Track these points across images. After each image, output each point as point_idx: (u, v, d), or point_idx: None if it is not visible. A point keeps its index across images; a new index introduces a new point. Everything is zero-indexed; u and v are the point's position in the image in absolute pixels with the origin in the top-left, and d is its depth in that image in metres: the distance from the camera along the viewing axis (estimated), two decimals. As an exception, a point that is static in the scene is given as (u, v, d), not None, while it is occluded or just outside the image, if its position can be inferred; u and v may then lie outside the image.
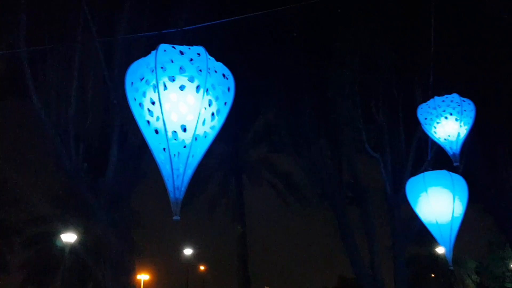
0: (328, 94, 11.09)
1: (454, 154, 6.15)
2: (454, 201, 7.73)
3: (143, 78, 4.86)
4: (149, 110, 4.75)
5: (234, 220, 20.65)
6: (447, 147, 6.30)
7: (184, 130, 4.72)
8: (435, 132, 6.48)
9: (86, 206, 11.38)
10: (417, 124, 11.46)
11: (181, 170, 4.77)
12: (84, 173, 9.38)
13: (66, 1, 9.17)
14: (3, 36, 9.26)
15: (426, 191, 7.66)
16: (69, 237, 16.92)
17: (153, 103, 4.69)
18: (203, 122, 4.82)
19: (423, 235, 13.23)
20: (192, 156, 4.78)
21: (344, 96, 10.77)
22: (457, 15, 9.13)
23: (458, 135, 6.18)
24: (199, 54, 4.95)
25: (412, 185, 8.21)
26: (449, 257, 7.46)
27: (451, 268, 8.96)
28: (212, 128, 4.99)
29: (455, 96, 6.26)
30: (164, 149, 4.76)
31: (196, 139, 4.80)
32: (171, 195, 4.70)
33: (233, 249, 21.24)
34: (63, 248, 17.42)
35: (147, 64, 4.84)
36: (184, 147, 4.75)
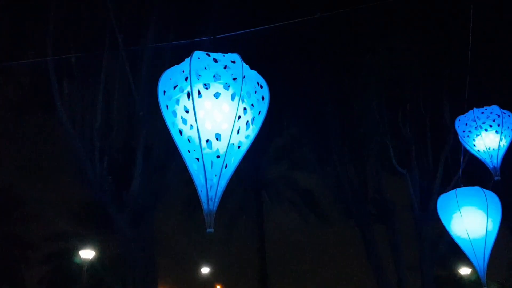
0: (354, 108, 10.89)
1: (494, 168, 5.88)
2: (487, 220, 7.48)
3: (176, 86, 4.76)
4: (182, 118, 4.64)
5: (253, 239, 20.34)
6: (487, 161, 6.03)
7: (218, 139, 4.59)
8: (474, 145, 6.23)
9: (106, 221, 11.26)
10: (445, 140, 11.30)
11: (215, 180, 4.62)
12: (108, 186, 9.27)
13: (93, 12, 9.22)
14: (30, 47, 9.34)
15: (459, 210, 7.42)
16: (87, 254, 16.81)
17: (187, 111, 4.58)
18: (238, 131, 4.69)
19: (446, 256, 12.81)
20: (226, 166, 4.64)
21: (371, 110, 10.57)
22: (491, 27, 8.92)
23: (499, 147, 5.92)
24: (233, 61, 4.84)
25: (444, 202, 7.96)
26: (483, 275, 7.21)
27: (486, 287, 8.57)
28: (246, 137, 4.85)
29: (494, 108, 6.02)
30: (197, 159, 4.62)
31: (230, 148, 4.67)
32: (204, 206, 4.54)
33: (252, 269, 20.90)
34: (82, 264, 17.30)
35: (181, 71, 4.74)
36: (218, 157, 4.61)
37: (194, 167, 4.66)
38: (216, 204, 4.69)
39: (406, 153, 11.02)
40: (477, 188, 7.57)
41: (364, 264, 12.02)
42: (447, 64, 9.66)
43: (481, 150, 6.08)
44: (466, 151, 11.07)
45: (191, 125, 4.65)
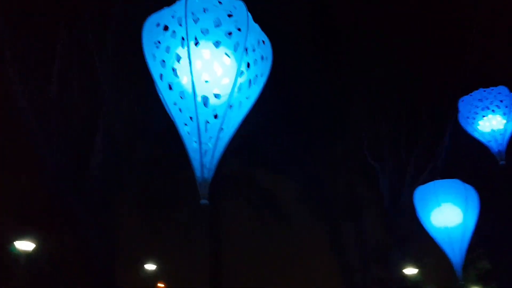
0: (328, 101, 10.44)
1: (500, 151, 5.50)
2: (465, 213, 7.33)
3: (167, 29, 3.96)
4: (173, 69, 3.86)
5: (208, 236, 19.42)
6: (491, 144, 5.64)
7: (217, 96, 3.85)
8: (477, 128, 5.82)
9: (56, 211, 10.08)
10: (419, 135, 11.13)
11: (211, 144, 3.89)
12: (67, 172, 8.08)
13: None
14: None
15: (437, 202, 7.07)
16: (25, 245, 15.23)
17: (179, 60, 3.81)
18: (240, 89, 3.98)
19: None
20: (224, 128, 3.92)
21: (348, 103, 10.18)
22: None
23: (505, 130, 5.55)
24: (236, 7, 4.11)
25: (422, 194, 7.69)
26: (459, 270, 7.02)
27: (462, 283, 8.42)
28: (248, 98, 4.15)
29: (503, 89, 5.67)
30: (191, 118, 3.87)
31: (230, 107, 3.94)
32: (197, 173, 3.79)
33: (205, 268, 19.98)
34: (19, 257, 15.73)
35: (174, 13, 3.96)
36: (215, 116, 3.88)
37: (185, 129, 3.91)
38: (211, 173, 3.94)
39: (380, 147, 10.71)
40: (456, 180, 7.38)
41: (330, 264, 11.57)
42: (427, 57, 9.49)
43: (486, 132, 5.68)
44: (445, 144, 10.98)
45: (182, 80, 3.91)
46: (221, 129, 3.96)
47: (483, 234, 7.79)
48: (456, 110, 9.79)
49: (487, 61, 8.39)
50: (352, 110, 10.44)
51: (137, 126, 8.75)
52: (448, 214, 7.46)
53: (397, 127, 10.67)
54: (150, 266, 29.85)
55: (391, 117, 10.65)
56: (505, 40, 8.71)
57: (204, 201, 3.71)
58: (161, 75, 4.00)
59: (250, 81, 4.11)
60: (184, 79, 3.97)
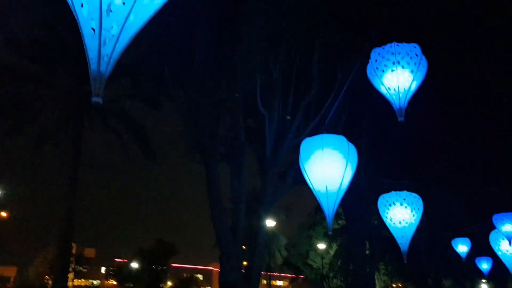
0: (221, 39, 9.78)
1: (400, 108, 5.53)
2: (346, 167, 7.62)
3: None
4: None
5: (65, 164, 17.73)
6: (394, 100, 5.65)
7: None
8: (383, 82, 5.77)
9: None
10: (310, 88, 11.22)
11: (115, 31, 3.07)
12: None
13: None
14: None
15: (322, 149, 7.17)
16: None
17: None
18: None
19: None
20: (135, 14, 3.12)
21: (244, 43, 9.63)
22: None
23: (409, 88, 5.58)
24: None
25: (308, 144, 7.85)
26: (330, 222, 7.21)
27: (330, 233, 8.83)
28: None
29: (416, 46, 5.64)
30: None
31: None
32: (92, 66, 2.99)
33: (59, 199, 18.38)
34: None
35: None
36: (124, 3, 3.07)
37: (83, 11, 3.03)
38: (110, 67, 3.13)
39: (271, 95, 10.50)
40: (341, 136, 7.64)
41: (203, 206, 11.25)
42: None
43: (391, 88, 5.65)
44: (333, 101, 11.21)
45: None
46: (131, 13, 3.16)
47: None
48: (351, 65, 10.02)
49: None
50: (246, 54, 9.95)
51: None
52: (329, 168, 7.67)
53: (290, 77, 10.58)
54: (-6, 190, 26.49)
55: (284, 66, 10.49)
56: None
57: (96, 99, 2.95)
58: None
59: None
60: None
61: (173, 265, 56.89)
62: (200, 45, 10.41)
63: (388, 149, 15.05)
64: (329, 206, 7.81)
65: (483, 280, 34.45)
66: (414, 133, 15.36)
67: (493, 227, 13.57)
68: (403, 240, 10.37)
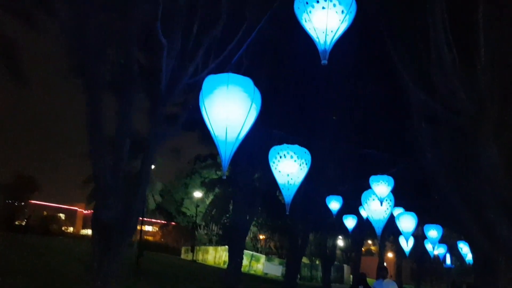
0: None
1: (324, 50, 5.12)
2: (250, 109, 7.43)
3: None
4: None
5: None
6: (319, 40, 5.21)
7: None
8: (309, 19, 5.28)
9: None
10: (215, 25, 10.37)
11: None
12: None
13: None
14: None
15: (227, 86, 6.80)
16: None
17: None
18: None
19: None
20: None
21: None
22: None
23: (338, 29, 5.17)
24: None
25: (212, 80, 7.46)
26: (226, 165, 6.98)
27: (225, 177, 8.69)
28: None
29: (348, -15, 5.20)
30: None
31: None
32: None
33: None
34: None
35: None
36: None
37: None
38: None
39: (173, 24, 9.40)
40: (247, 78, 7.15)
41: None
42: None
43: (318, 28, 5.19)
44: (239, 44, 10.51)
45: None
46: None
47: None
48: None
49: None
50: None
51: None
52: (232, 107, 7.29)
53: (196, 7, 9.61)
54: None
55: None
56: None
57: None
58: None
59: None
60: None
61: (33, 201, 53.10)
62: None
63: (282, 102, 15.07)
64: (227, 149, 7.44)
65: (340, 237, 37.86)
66: (307, 90, 15.54)
67: (365, 188, 14.55)
68: (289, 192, 10.46)
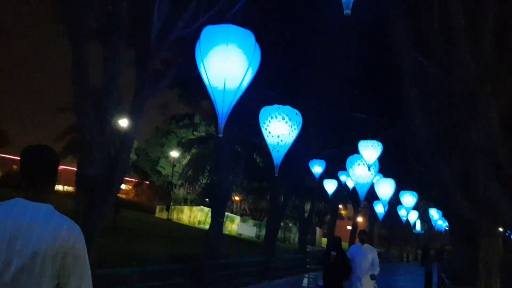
0: None
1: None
2: (247, 70, 7.20)
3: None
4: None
5: None
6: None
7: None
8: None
9: None
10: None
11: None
12: None
13: None
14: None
15: (226, 44, 6.51)
16: None
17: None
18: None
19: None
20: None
21: None
22: None
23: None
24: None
25: (211, 33, 6.87)
26: (222, 124, 6.80)
27: (221, 135, 8.45)
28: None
29: None
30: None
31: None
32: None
33: None
34: None
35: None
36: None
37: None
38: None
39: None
40: (249, 32, 6.78)
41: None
42: None
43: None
44: None
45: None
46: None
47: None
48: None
49: None
50: None
51: None
52: (231, 63, 7.01)
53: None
54: None
55: None
56: None
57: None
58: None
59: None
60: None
61: (2, 155, 51.75)
62: None
63: (273, 62, 14.68)
64: (224, 105, 7.17)
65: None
66: (299, 51, 15.16)
67: (346, 154, 14.54)
68: (278, 154, 10.28)
